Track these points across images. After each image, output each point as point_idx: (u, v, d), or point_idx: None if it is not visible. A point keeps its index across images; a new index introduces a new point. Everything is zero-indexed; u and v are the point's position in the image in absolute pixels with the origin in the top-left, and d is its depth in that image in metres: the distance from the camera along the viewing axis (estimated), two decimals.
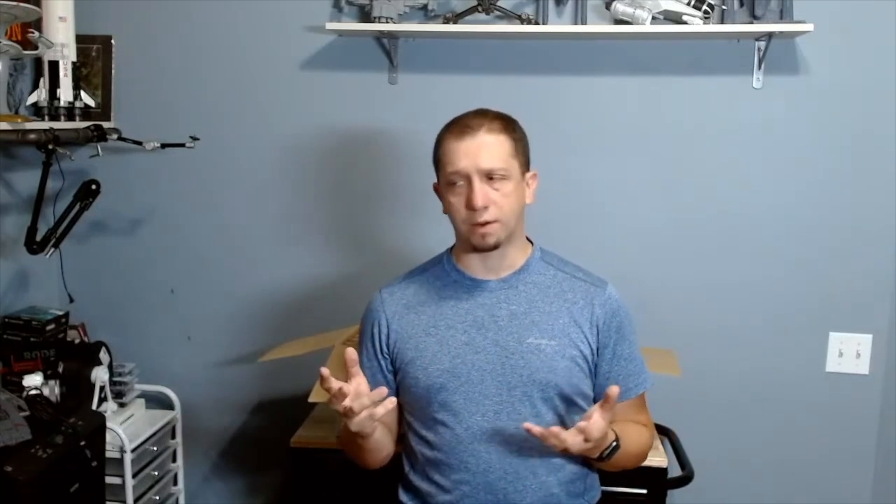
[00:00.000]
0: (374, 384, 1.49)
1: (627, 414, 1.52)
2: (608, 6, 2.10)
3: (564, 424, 1.41)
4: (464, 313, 1.49)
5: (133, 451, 2.10)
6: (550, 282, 1.52)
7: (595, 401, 1.48)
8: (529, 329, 1.46)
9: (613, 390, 1.33)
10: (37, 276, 2.33)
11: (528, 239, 1.56)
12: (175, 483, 2.41)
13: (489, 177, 1.42)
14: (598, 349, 1.49)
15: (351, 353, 1.35)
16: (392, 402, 1.34)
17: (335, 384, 1.30)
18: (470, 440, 1.46)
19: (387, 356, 1.55)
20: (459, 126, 1.46)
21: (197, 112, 2.33)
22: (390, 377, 1.55)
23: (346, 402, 1.30)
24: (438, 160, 1.50)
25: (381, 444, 1.50)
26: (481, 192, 1.41)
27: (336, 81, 2.29)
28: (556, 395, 1.45)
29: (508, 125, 1.48)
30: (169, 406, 2.39)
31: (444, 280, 1.54)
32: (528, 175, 1.51)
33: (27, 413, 1.80)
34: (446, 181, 1.46)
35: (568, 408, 1.48)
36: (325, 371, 1.30)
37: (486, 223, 1.42)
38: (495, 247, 1.45)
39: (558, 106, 2.24)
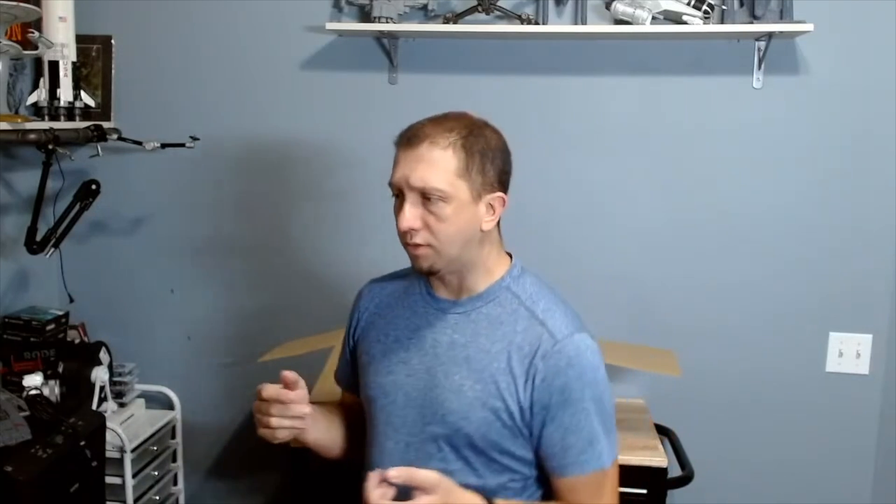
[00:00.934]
0: (344, 377, 1.51)
1: (576, 495, 1.28)
2: (608, 6, 2.10)
3: (481, 479, 1.27)
4: (413, 329, 1.36)
5: (133, 451, 2.10)
6: (506, 316, 1.30)
7: (540, 466, 1.30)
8: (460, 365, 1.29)
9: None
10: (37, 276, 2.33)
11: (509, 256, 1.39)
12: (175, 483, 2.41)
13: (426, 196, 1.24)
14: (530, 407, 1.25)
15: (289, 376, 1.24)
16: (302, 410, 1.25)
17: (268, 391, 1.24)
18: (381, 465, 1.27)
19: (351, 350, 1.48)
20: (409, 132, 1.28)
21: (197, 112, 2.33)
22: (355, 374, 1.47)
23: (272, 417, 1.23)
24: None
25: (327, 446, 1.42)
26: (409, 212, 1.24)
27: (336, 81, 2.29)
28: (466, 445, 1.28)
29: (467, 139, 1.26)
30: (169, 406, 2.40)
31: (412, 288, 1.41)
32: (491, 197, 1.28)
33: (27, 413, 1.80)
34: (393, 191, 1.30)
35: (487, 463, 1.29)
36: (290, 375, 1.23)
37: (415, 246, 1.26)
38: (430, 272, 1.30)
39: (558, 106, 2.24)
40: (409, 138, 1.27)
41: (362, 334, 1.44)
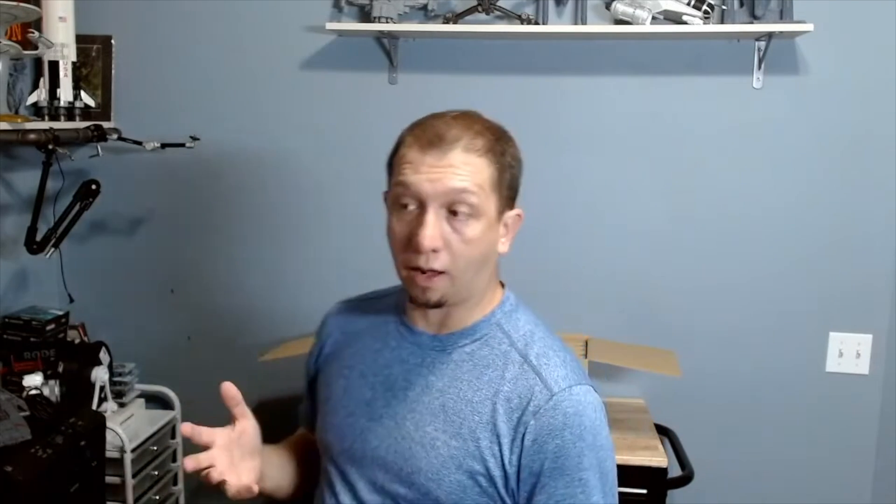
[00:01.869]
0: (306, 414, 1.29)
1: None
2: (608, 6, 2.11)
3: None
4: (382, 365, 1.14)
5: (133, 451, 2.10)
6: (493, 359, 1.08)
7: None
8: (435, 414, 1.07)
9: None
10: (37, 276, 2.33)
11: (501, 284, 1.19)
12: (175, 483, 2.41)
13: (452, 210, 1.03)
14: (517, 473, 1.03)
15: (228, 389, 1.07)
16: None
17: (202, 435, 1.04)
18: None
19: (311, 381, 1.27)
20: (430, 132, 1.08)
21: (197, 112, 2.33)
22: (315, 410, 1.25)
23: (213, 473, 1.06)
24: (392, 165, 1.13)
25: (281, 485, 1.23)
26: (435, 228, 1.02)
27: (336, 81, 2.29)
28: None
29: (497, 145, 1.08)
30: (169, 406, 2.39)
31: (384, 315, 1.20)
32: (510, 215, 1.11)
33: (27, 413, 1.80)
34: (393, 198, 1.08)
35: None
36: (188, 429, 1.04)
37: (432, 273, 1.04)
38: (437, 305, 1.07)
39: (558, 106, 2.24)
40: (435, 138, 1.06)
41: (324, 365, 1.23)
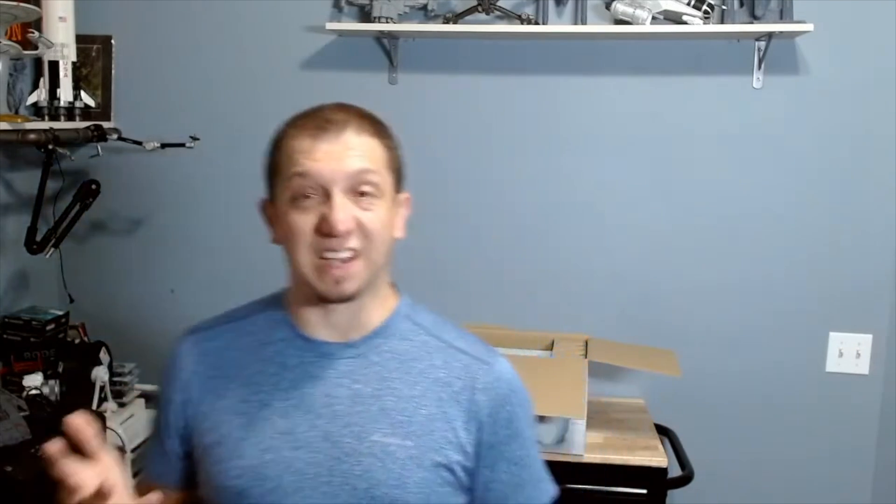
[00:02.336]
0: (165, 472, 1.11)
1: None
2: (608, 6, 2.11)
3: None
4: (288, 387, 1.04)
5: (133, 451, 2.10)
6: (417, 351, 1.07)
7: None
8: (377, 420, 1.02)
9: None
10: (37, 276, 2.33)
11: (393, 286, 1.13)
12: None
13: (356, 191, 1.00)
14: (477, 452, 1.04)
15: (73, 423, 0.90)
16: None
17: (72, 476, 0.88)
18: None
19: (178, 434, 1.09)
20: (317, 119, 1.05)
21: (197, 112, 2.33)
22: (181, 465, 1.10)
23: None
24: (277, 165, 1.04)
25: None
26: (345, 210, 0.98)
27: (336, 81, 2.29)
28: None
29: (382, 129, 1.09)
30: None
31: (268, 334, 1.08)
32: (402, 198, 1.09)
33: (27, 413, 1.80)
34: (290, 193, 1.01)
35: None
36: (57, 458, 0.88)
37: (345, 260, 0.99)
38: (351, 297, 1.01)
39: (558, 106, 2.24)
40: (324, 123, 1.04)
41: (198, 411, 1.07)
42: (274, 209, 1.05)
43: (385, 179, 1.04)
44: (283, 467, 1.01)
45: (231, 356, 1.09)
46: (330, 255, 0.99)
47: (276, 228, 1.06)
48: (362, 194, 1.01)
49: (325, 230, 0.98)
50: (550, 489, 1.13)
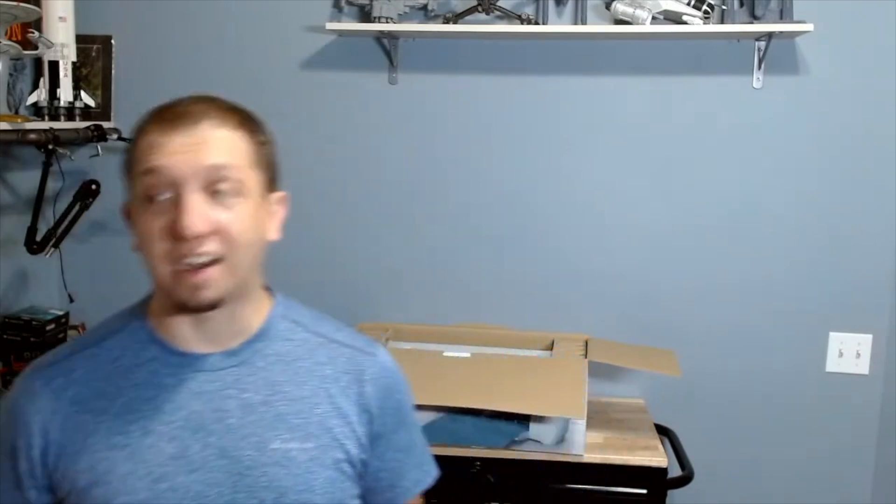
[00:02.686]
0: None
1: None
2: (608, 6, 2.11)
3: None
4: (171, 409, 0.97)
5: None
6: (300, 350, 1.03)
7: None
8: (273, 427, 0.98)
9: None
10: (37, 276, 2.33)
11: (266, 288, 1.08)
12: None
13: (213, 190, 0.92)
14: (369, 443, 1.04)
15: None
16: None
17: None
18: None
19: (41, 485, 0.97)
20: (172, 112, 0.96)
21: None
22: None
23: None
24: (129, 162, 0.96)
25: None
26: (197, 210, 0.90)
27: (336, 81, 2.29)
28: None
29: (247, 122, 1.00)
30: None
31: (136, 355, 1.00)
32: (275, 198, 1.03)
33: None
34: (142, 192, 0.92)
35: None
36: None
37: (203, 266, 0.91)
38: (214, 305, 0.94)
39: (558, 106, 2.24)
40: (179, 115, 0.94)
41: (64, 453, 0.96)
42: (131, 213, 0.96)
43: (249, 176, 0.96)
44: (182, 494, 0.94)
45: (96, 387, 0.98)
46: (185, 260, 0.90)
47: (135, 234, 0.95)
48: (221, 193, 0.92)
49: (175, 234, 0.89)
50: (433, 470, 1.14)
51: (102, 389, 0.98)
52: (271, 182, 1.02)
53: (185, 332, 0.98)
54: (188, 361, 0.99)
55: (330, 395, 1.02)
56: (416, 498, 1.12)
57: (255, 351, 1.01)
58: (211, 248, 0.91)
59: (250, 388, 0.99)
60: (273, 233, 1.03)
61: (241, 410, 0.98)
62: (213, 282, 0.92)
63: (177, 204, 0.90)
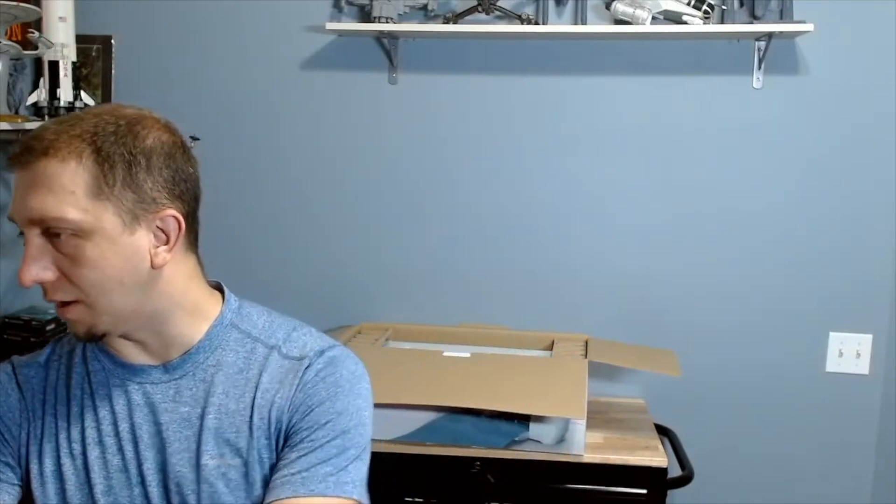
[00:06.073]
0: None
1: None
2: (608, 6, 2.11)
3: None
4: (116, 420, 0.97)
5: None
6: (244, 362, 0.99)
7: None
8: (206, 442, 0.96)
9: None
10: None
11: (220, 290, 1.06)
12: None
13: (49, 233, 0.86)
14: (293, 446, 0.98)
15: None
16: None
17: None
18: None
19: (13, 461, 0.99)
20: (25, 143, 0.87)
21: (197, 112, 2.33)
22: (15, 492, 0.99)
23: None
24: None
25: None
26: (34, 259, 0.87)
27: (336, 81, 2.29)
28: None
29: (107, 140, 0.88)
30: None
31: (87, 364, 1.00)
32: (157, 218, 0.91)
33: None
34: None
35: None
36: None
37: (63, 304, 0.89)
38: (94, 337, 0.91)
39: (558, 106, 2.24)
40: (21, 153, 0.86)
41: (18, 446, 0.99)
42: None
43: (93, 211, 0.85)
44: None
45: (52, 395, 0.99)
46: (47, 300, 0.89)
47: None
48: (59, 234, 0.86)
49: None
50: (358, 487, 0.98)
51: (63, 396, 0.99)
52: (145, 202, 0.90)
53: (123, 346, 0.97)
54: (132, 373, 0.98)
55: (264, 408, 0.97)
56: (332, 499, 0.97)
57: (196, 363, 0.98)
58: (60, 294, 0.88)
59: (189, 401, 0.97)
60: (160, 257, 0.92)
61: (177, 425, 0.97)
62: (76, 320, 0.90)
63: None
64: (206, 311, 1.00)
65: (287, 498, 0.93)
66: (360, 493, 0.98)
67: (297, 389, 0.98)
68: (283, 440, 0.98)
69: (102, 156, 0.87)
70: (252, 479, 0.97)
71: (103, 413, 0.97)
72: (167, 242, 0.93)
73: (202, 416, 0.97)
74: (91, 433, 0.97)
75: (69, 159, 0.85)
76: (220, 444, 0.96)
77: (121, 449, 0.97)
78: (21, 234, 0.88)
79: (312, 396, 0.98)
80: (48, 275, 0.87)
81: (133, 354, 0.98)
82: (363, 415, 1.01)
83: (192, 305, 0.98)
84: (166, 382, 0.98)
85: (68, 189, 0.85)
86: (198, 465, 0.96)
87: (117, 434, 0.97)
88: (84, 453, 0.97)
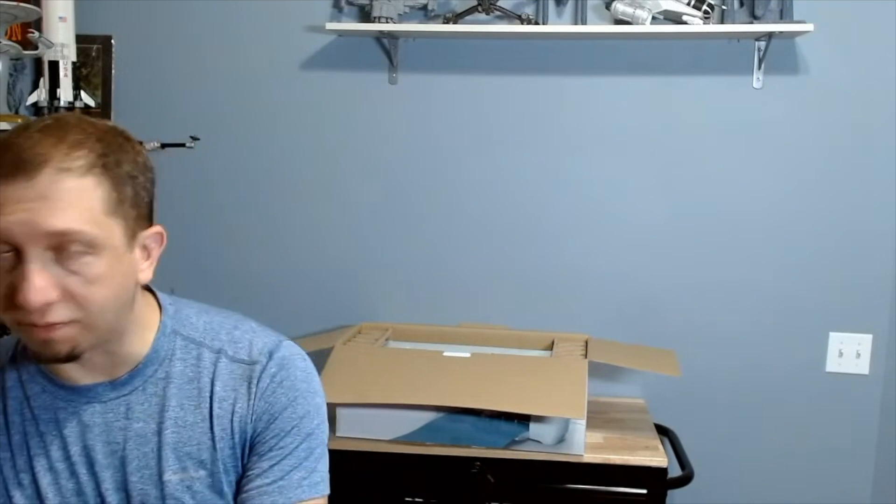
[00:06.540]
0: None
1: None
2: (608, 6, 2.11)
3: None
4: (65, 444, 0.94)
5: None
6: (193, 370, 0.97)
7: None
8: (166, 457, 0.94)
9: None
10: None
11: (154, 296, 1.00)
12: None
13: (58, 250, 0.81)
14: (260, 453, 0.98)
15: None
16: None
17: None
18: None
19: None
20: (10, 155, 0.81)
21: (197, 112, 2.33)
22: None
23: None
24: None
25: None
26: (43, 278, 0.81)
27: (336, 81, 2.29)
28: None
29: (106, 156, 0.85)
30: None
31: (28, 388, 0.95)
32: (147, 235, 0.91)
33: None
34: None
35: None
36: None
37: (53, 326, 0.83)
38: (70, 358, 0.87)
39: (558, 106, 2.24)
40: (17, 163, 0.80)
41: None
42: None
43: (104, 229, 0.84)
44: None
45: (10, 409, 0.95)
46: (30, 321, 0.82)
47: None
48: (68, 252, 0.82)
49: (17, 302, 0.80)
50: (318, 487, 1.00)
51: (11, 415, 0.95)
52: (141, 219, 0.90)
53: (69, 368, 0.92)
54: (76, 395, 0.94)
55: (223, 417, 0.96)
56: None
57: (145, 378, 0.95)
58: (59, 314, 0.82)
59: (142, 417, 0.95)
60: (145, 273, 0.92)
61: (133, 442, 0.94)
62: (66, 339, 0.84)
63: (18, 268, 0.81)
64: (148, 320, 0.97)
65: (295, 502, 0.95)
66: (327, 485, 1.01)
67: (256, 398, 0.97)
68: (249, 448, 0.98)
69: (115, 173, 0.85)
70: (218, 488, 0.96)
71: (50, 438, 0.94)
72: (148, 259, 0.92)
73: (159, 432, 0.95)
74: (40, 461, 0.94)
75: (87, 175, 0.82)
76: (181, 457, 0.95)
77: (74, 473, 0.94)
78: (11, 251, 0.81)
79: (273, 405, 0.97)
80: (55, 294, 0.82)
81: (78, 376, 0.93)
82: (321, 411, 1.02)
83: (140, 318, 0.95)
84: (115, 399, 0.94)
85: (86, 205, 0.82)
86: (160, 481, 0.94)
87: (68, 458, 0.94)
88: (34, 482, 0.94)
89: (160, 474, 0.94)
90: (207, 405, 0.96)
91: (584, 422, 1.81)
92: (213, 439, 0.96)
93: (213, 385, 0.96)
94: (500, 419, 1.83)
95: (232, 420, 0.96)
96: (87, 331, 0.85)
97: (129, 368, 0.95)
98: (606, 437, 1.96)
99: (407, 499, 1.86)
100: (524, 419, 1.82)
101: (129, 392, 0.95)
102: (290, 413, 0.98)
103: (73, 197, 0.81)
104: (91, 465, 0.94)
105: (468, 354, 2.03)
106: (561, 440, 1.82)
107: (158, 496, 0.94)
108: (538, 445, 1.82)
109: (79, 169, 0.82)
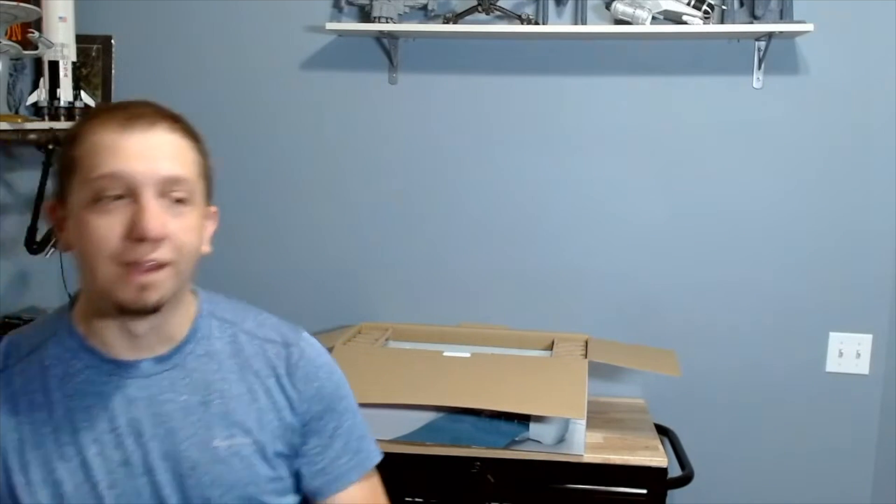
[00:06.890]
0: None
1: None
2: (608, 6, 2.11)
3: None
4: (111, 417, 0.98)
5: None
6: (231, 348, 1.05)
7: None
8: (213, 426, 1.01)
9: None
10: (37, 276, 2.33)
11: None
12: None
13: (169, 197, 0.93)
14: (301, 430, 1.07)
15: None
16: None
17: None
18: None
19: None
20: (124, 113, 0.93)
21: (197, 112, 2.31)
22: None
23: None
24: (75, 162, 0.93)
25: None
26: (159, 214, 0.91)
27: (336, 81, 2.29)
28: None
29: (194, 132, 1.00)
30: None
31: (68, 364, 0.99)
32: (211, 211, 1.04)
33: None
34: (92, 194, 0.91)
35: None
36: None
37: (153, 267, 0.91)
38: (155, 308, 0.94)
39: (558, 106, 2.24)
40: (133, 117, 0.93)
41: (7, 457, 0.97)
42: (64, 211, 0.95)
43: (197, 187, 0.97)
44: (134, 498, 0.98)
45: (33, 399, 0.98)
46: (132, 262, 0.90)
47: (71, 235, 0.94)
48: (174, 200, 0.94)
49: (135, 235, 0.89)
50: (373, 455, 1.14)
51: (40, 401, 0.98)
52: (209, 194, 1.02)
53: (114, 341, 0.99)
54: (122, 370, 0.99)
55: (263, 390, 1.04)
56: (361, 482, 1.12)
57: (187, 353, 1.03)
58: (162, 253, 0.92)
59: (186, 390, 1.01)
60: (206, 245, 1.03)
61: (181, 413, 1.00)
62: (160, 283, 0.93)
63: (134, 206, 0.91)
64: (189, 303, 1.05)
65: (346, 487, 1.09)
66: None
67: (297, 378, 1.06)
68: (300, 426, 1.06)
69: (200, 145, 1.00)
70: (267, 455, 1.03)
71: (96, 411, 0.98)
72: (209, 233, 1.04)
73: (206, 403, 1.01)
74: (85, 433, 0.97)
75: (186, 137, 0.97)
76: (229, 426, 1.01)
77: (121, 444, 0.98)
78: (119, 196, 0.90)
79: (313, 381, 1.07)
80: (164, 230, 0.91)
81: (122, 348, 0.99)
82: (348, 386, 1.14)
83: (185, 299, 1.04)
84: (158, 374, 1.00)
85: (189, 160, 0.96)
86: (208, 448, 1.00)
87: (115, 430, 0.98)
88: (80, 453, 0.97)
89: (208, 441, 1.00)
90: (249, 378, 1.04)
91: (584, 422, 1.81)
92: (258, 410, 1.03)
93: (250, 360, 1.05)
94: (500, 419, 1.83)
95: (273, 395, 1.05)
96: (175, 277, 0.94)
97: (173, 345, 1.02)
98: (606, 437, 1.96)
99: (407, 499, 1.86)
100: (524, 419, 1.82)
101: (172, 367, 1.01)
102: (333, 391, 1.09)
103: (182, 151, 0.96)
104: (139, 435, 0.98)
105: (468, 354, 2.04)
106: (561, 440, 1.82)
107: (207, 461, 1.00)
108: (538, 445, 1.82)
109: (181, 130, 0.97)
